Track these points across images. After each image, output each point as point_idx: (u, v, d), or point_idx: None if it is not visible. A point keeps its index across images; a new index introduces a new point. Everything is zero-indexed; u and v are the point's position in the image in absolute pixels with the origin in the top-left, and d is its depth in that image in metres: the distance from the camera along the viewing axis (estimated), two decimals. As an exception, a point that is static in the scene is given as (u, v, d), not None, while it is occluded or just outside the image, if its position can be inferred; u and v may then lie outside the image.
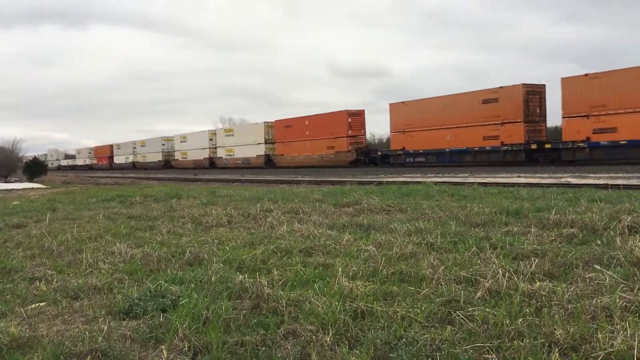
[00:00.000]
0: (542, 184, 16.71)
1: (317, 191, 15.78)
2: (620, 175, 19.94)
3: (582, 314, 3.98)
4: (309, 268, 5.91)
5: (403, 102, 39.47)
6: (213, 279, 5.47)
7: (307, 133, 47.31)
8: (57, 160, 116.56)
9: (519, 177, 21.53)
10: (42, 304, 5.10)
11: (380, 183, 19.81)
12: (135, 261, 6.68)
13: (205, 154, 62.64)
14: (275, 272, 5.57)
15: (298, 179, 27.57)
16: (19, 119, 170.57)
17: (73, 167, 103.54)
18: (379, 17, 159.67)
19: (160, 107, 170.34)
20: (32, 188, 29.68)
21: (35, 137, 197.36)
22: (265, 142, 53.06)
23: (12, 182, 38.53)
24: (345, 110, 43.68)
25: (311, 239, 7.54)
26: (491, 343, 3.58)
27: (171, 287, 5.18)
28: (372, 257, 6.26)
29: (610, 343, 3.42)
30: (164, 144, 72.95)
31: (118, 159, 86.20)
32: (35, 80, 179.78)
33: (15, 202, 16.91)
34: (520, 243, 6.66)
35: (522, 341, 3.54)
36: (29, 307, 4.99)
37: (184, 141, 67.95)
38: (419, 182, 18.12)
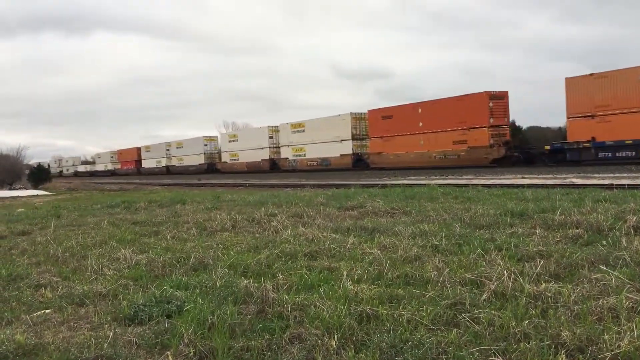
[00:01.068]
0: (546, 184, 16.67)
1: (321, 194, 15.77)
2: (625, 175, 19.88)
3: (589, 315, 3.96)
4: (313, 272, 5.90)
5: (592, 74, 28.93)
6: (218, 284, 5.47)
7: (420, 124, 37.49)
8: (73, 165, 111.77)
9: (523, 178, 21.50)
10: (47, 311, 5.11)
11: (384, 186, 19.79)
12: (140, 267, 6.68)
13: (264, 155, 53.67)
14: (280, 277, 5.57)
15: (302, 182, 27.56)
16: (22, 126, 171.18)
17: (92, 174, 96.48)
18: (381, 18, 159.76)
19: (164, 113, 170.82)
20: (37, 195, 29.81)
21: (40, 144, 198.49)
22: (353, 138, 43.74)
23: (17, 189, 38.70)
24: (485, 91, 33.71)
25: (316, 243, 7.53)
26: (497, 345, 3.57)
27: (176, 292, 5.18)
28: (376, 260, 6.25)
29: (617, 344, 3.41)
30: (206, 145, 64.34)
31: (148, 163, 77.33)
32: (38, 88, 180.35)
33: (20, 209, 16.97)
34: (526, 244, 6.64)
35: (529, 343, 3.53)
36: (35, 314, 5.00)
37: (233, 140, 59.45)
38: (423, 185, 18.11)
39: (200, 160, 64.55)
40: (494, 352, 3.49)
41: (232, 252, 7.20)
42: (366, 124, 43.66)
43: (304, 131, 49.97)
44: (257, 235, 8.88)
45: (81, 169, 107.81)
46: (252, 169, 54.13)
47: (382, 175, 31.22)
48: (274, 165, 52.95)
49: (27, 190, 35.63)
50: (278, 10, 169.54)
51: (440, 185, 17.50)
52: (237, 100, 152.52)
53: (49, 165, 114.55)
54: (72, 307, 5.18)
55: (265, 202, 13.97)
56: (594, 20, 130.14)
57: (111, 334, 4.17)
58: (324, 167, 46.22)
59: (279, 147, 53.24)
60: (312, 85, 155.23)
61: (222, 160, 61.19)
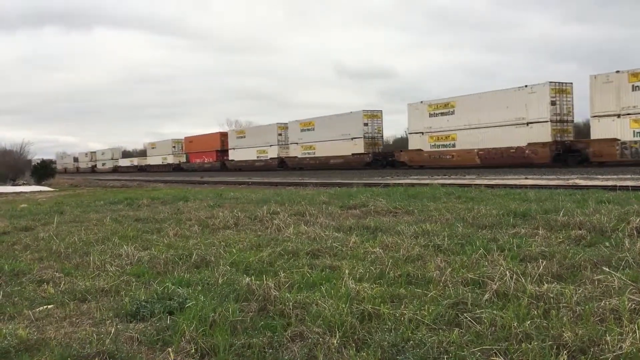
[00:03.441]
0: (549, 185, 16.63)
1: (323, 193, 15.77)
2: (629, 176, 19.82)
3: (591, 316, 3.95)
4: (315, 270, 5.90)
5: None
6: (220, 281, 5.47)
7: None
8: (111, 159, 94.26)
9: (526, 178, 21.45)
10: (49, 306, 5.12)
11: (387, 185, 19.77)
12: (142, 264, 6.69)
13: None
14: (282, 275, 5.57)
15: (305, 181, 27.57)
16: (25, 122, 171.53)
17: (142, 169, 79.54)
18: (384, 17, 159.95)
19: (166, 110, 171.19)
20: (40, 191, 29.85)
21: (42, 140, 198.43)
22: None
23: (20, 184, 38.78)
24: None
25: (318, 241, 7.54)
26: (499, 345, 3.57)
27: (178, 289, 5.19)
28: (379, 259, 6.25)
29: (619, 345, 3.40)
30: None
31: (239, 154, 60.15)
32: (40, 84, 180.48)
33: (23, 205, 17.01)
34: (528, 245, 6.63)
35: (530, 343, 3.52)
36: (37, 309, 5.01)
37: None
38: (426, 184, 18.09)
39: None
40: (495, 352, 3.49)
41: (234, 250, 7.20)
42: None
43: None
44: (260, 233, 8.89)
45: (124, 163, 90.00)
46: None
47: (384, 175, 31.15)
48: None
49: (31, 186, 35.69)
50: (280, 8, 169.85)
51: (442, 185, 17.48)
52: (239, 98, 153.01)
53: (76, 160, 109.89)
54: (74, 302, 5.19)
55: (267, 200, 13.97)
56: (598, 21, 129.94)
57: (113, 330, 4.18)
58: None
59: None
60: (314, 84, 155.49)
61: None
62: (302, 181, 27.72)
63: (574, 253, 6.04)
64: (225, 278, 5.57)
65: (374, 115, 44.75)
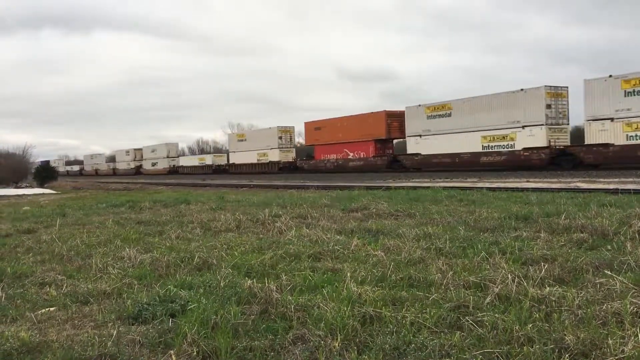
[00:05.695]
0: (551, 188, 16.61)
1: (325, 196, 15.78)
2: (631, 180, 19.79)
3: (593, 320, 3.95)
4: (317, 273, 5.91)
5: None
6: (222, 284, 5.47)
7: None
8: (166, 157, 74.70)
9: (527, 181, 21.43)
10: (52, 308, 5.13)
11: (388, 188, 19.78)
12: (144, 266, 6.70)
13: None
14: (284, 277, 5.57)
15: (306, 184, 27.57)
16: (25, 125, 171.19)
17: (221, 170, 61.45)
18: (384, 19, 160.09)
19: (167, 113, 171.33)
20: (43, 194, 29.91)
21: (43, 144, 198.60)
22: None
23: (23, 187, 38.85)
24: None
25: (319, 244, 7.54)
26: (501, 349, 3.56)
27: (180, 292, 5.19)
28: (380, 262, 6.25)
29: (621, 349, 3.39)
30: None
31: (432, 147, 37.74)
32: (40, 87, 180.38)
33: (25, 208, 17.04)
34: (530, 248, 6.62)
35: (532, 347, 3.51)
36: (39, 311, 5.02)
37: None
38: (428, 187, 18.09)
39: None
40: (497, 356, 3.49)
41: (236, 253, 7.21)
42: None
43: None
44: (261, 236, 8.89)
45: (188, 161, 70.58)
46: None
47: (386, 177, 31.14)
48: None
49: (33, 189, 35.75)
50: (281, 11, 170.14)
51: (444, 188, 17.48)
52: (240, 101, 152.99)
53: (111, 159, 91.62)
54: (77, 305, 5.20)
55: (269, 203, 13.98)
56: (598, 23, 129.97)
57: (115, 332, 4.19)
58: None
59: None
60: (316, 86, 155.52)
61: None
62: (303, 184, 27.73)
63: (576, 256, 6.04)
64: (227, 281, 5.57)
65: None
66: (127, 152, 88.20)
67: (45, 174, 44.50)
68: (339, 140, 47.07)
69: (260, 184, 31.41)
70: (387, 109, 43.50)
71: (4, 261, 7.46)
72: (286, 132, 54.66)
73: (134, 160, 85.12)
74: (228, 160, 61.78)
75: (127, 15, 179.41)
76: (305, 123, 51.49)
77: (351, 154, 46.13)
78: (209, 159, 67.74)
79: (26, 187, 39.73)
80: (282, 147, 54.18)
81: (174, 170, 71.98)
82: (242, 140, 59.04)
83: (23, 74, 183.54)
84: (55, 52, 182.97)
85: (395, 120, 42.61)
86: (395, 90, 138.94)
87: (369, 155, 44.25)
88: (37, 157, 67.53)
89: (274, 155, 54.13)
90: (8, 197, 26.13)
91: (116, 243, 8.49)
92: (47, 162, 63.64)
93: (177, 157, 76.77)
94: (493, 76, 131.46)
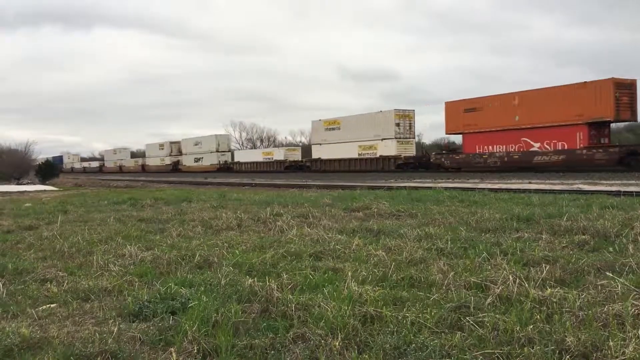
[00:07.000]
0: (553, 190, 16.58)
1: (327, 195, 15.78)
2: (633, 182, 19.76)
3: (594, 321, 3.94)
4: (318, 272, 5.91)
5: None
6: (223, 282, 5.48)
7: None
8: (215, 152, 63.79)
9: (530, 183, 21.40)
10: (52, 305, 5.13)
11: (390, 188, 19.77)
12: (145, 264, 6.70)
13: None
14: (285, 276, 5.57)
15: (308, 183, 27.58)
16: (27, 122, 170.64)
17: (299, 167, 52.06)
18: (386, 19, 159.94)
19: (169, 111, 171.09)
20: (44, 190, 29.94)
21: (45, 140, 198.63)
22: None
23: (25, 184, 38.92)
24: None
25: (321, 243, 7.54)
26: (501, 349, 3.56)
27: (181, 290, 5.19)
28: (381, 262, 6.25)
29: (622, 351, 3.39)
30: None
31: None
32: (39, 83, 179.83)
33: (27, 204, 17.06)
34: (531, 249, 6.62)
35: (533, 348, 3.51)
36: (40, 308, 5.02)
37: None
38: (429, 188, 18.08)
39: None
40: (497, 356, 3.49)
41: (237, 251, 7.21)
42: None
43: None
44: (263, 234, 8.89)
45: (245, 157, 60.88)
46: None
47: (388, 178, 31.14)
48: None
49: (35, 185, 35.81)
50: (282, 9, 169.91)
51: (446, 188, 17.46)
52: (241, 99, 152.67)
53: (139, 155, 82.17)
54: (77, 302, 5.20)
55: (271, 202, 13.99)
56: (603, 25, 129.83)
57: (115, 329, 4.19)
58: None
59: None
60: (317, 86, 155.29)
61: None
62: (305, 183, 27.72)
63: (578, 258, 6.03)
64: (228, 279, 5.57)
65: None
66: (161, 145, 75.92)
67: (47, 170, 44.57)
68: (512, 126, 32.76)
69: (262, 182, 31.36)
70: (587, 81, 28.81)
71: (6, 257, 7.47)
72: (405, 118, 41.57)
73: (170, 155, 73.01)
74: (311, 154, 49.34)
75: (127, 12, 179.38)
76: (446, 103, 37.19)
77: (536, 145, 32.08)
78: (278, 154, 56.82)
79: (28, 183, 39.81)
80: (400, 138, 41.34)
81: (227, 167, 61.59)
82: (332, 129, 46.82)
83: (23, 71, 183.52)
84: (55, 49, 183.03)
85: (625, 94, 28.56)
86: (397, 90, 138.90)
87: (576, 146, 29.82)
88: (39, 153, 65.85)
89: (388, 148, 41.39)
90: (10, 193, 26.17)
91: (117, 240, 8.49)
92: (60, 157, 62.37)
93: (228, 151, 65.61)
94: (495, 77, 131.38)
